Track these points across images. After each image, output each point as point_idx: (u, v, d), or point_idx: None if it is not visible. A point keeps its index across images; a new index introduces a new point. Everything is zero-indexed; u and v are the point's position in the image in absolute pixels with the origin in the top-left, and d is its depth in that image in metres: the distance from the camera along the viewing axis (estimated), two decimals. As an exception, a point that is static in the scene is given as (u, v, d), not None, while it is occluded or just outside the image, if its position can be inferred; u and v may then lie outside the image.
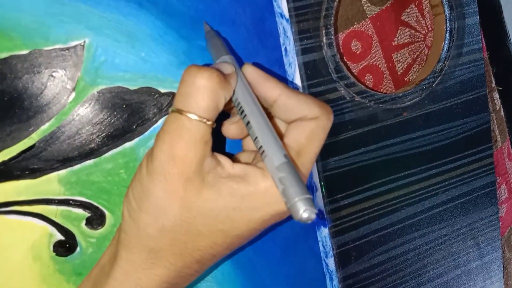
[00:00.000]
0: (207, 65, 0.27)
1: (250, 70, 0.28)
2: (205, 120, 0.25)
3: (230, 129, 0.30)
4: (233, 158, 0.30)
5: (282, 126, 0.30)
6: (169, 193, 0.25)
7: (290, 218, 0.27)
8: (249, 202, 0.26)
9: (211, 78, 0.25)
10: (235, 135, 0.30)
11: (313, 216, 0.24)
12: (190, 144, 0.25)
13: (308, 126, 0.27)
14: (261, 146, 0.26)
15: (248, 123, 0.27)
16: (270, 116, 0.29)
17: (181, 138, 0.25)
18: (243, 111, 0.27)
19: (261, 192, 0.26)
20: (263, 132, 0.26)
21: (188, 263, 0.27)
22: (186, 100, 0.25)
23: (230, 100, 0.28)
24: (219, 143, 0.33)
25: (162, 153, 0.25)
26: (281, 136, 0.28)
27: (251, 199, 0.26)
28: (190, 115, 0.25)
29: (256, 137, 0.26)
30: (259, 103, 0.28)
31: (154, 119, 0.32)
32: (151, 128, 0.32)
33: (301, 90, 0.35)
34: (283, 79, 0.35)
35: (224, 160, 0.27)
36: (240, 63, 0.31)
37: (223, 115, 0.29)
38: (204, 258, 0.27)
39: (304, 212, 0.24)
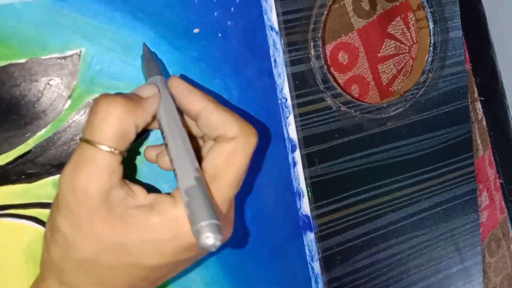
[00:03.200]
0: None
1: (174, 83, 0.27)
2: (111, 149, 0.24)
3: (151, 153, 0.29)
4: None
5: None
6: (74, 226, 0.24)
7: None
8: (158, 234, 0.24)
9: (115, 108, 0.24)
10: (167, 167, 0.28)
11: (218, 244, 0.22)
12: (93, 174, 0.23)
13: (226, 147, 0.25)
14: (174, 168, 0.25)
15: (166, 144, 0.26)
16: (193, 136, 0.28)
17: (84, 168, 0.23)
18: (163, 131, 0.26)
19: (171, 222, 0.24)
20: (178, 153, 0.25)
21: None
22: (91, 129, 0.24)
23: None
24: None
25: (64, 184, 0.24)
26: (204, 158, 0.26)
27: (160, 231, 0.24)
28: (96, 144, 0.24)
29: (171, 159, 0.25)
30: (182, 123, 0.27)
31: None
32: (144, 135, 0.33)
33: (289, 100, 0.36)
34: (272, 89, 0.36)
35: (137, 190, 0.25)
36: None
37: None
38: None
39: (208, 238, 0.22)
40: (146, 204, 0.25)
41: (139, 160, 0.33)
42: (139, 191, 0.25)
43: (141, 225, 0.24)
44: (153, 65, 0.30)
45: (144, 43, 0.32)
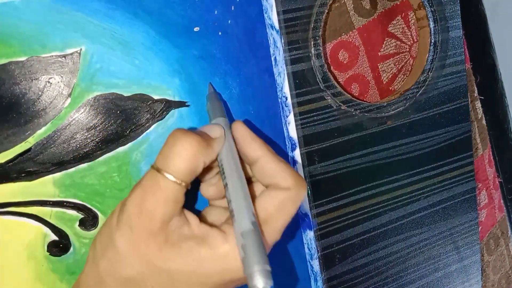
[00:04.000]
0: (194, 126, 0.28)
1: (238, 128, 0.29)
2: (179, 182, 0.26)
3: (209, 190, 0.30)
4: (201, 212, 0.31)
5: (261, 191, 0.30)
6: (131, 245, 0.25)
7: None
8: (206, 267, 0.26)
9: (191, 145, 0.26)
10: (213, 196, 0.30)
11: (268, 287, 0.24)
12: (161, 202, 0.25)
13: (278, 196, 0.27)
14: (232, 210, 0.27)
15: (226, 185, 0.28)
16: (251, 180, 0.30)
17: (153, 195, 0.25)
18: (224, 172, 0.28)
19: (220, 256, 0.26)
20: (237, 196, 0.27)
21: None
22: (165, 160, 0.26)
23: (215, 161, 0.29)
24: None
25: (133, 204, 0.26)
26: (255, 200, 0.28)
27: (209, 263, 0.26)
28: (166, 175, 0.25)
29: (230, 200, 0.27)
30: (241, 167, 0.28)
31: (147, 125, 0.33)
32: (144, 134, 0.33)
33: (289, 98, 0.37)
34: (272, 87, 0.36)
35: (192, 219, 0.27)
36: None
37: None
38: None
39: (260, 283, 0.24)
40: (198, 235, 0.26)
41: (139, 158, 0.33)
42: (193, 220, 0.27)
43: (192, 255, 0.26)
44: (218, 106, 0.31)
45: (210, 83, 0.33)
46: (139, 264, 0.26)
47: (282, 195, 0.27)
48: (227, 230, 0.26)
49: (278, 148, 0.37)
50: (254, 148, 0.29)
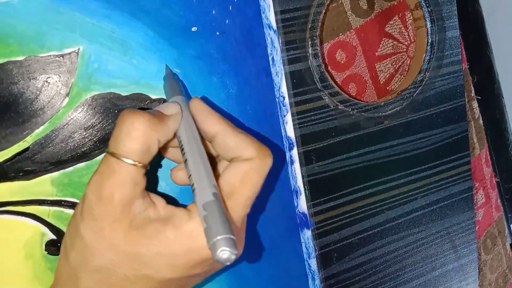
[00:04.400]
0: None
1: (195, 105, 0.28)
2: (135, 163, 0.25)
3: (178, 175, 0.30)
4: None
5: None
6: (96, 233, 0.25)
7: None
8: (172, 247, 0.25)
9: (141, 123, 0.25)
10: (182, 182, 0.30)
11: (233, 258, 0.23)
12: (118, 185, 0.25)
13: (242, 167, 0.27)
14: (193, 184, 0.26)
15: (185, 160, 0.27)
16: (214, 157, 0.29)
17: (109, 179, 0.25)
18: (183, 148, 0.27)
19: (185, 235, 0.25)
20: (197, 169, 0.26)
21: None
22: (116, 143, 0.25)
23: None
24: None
25: (91, 192, 0.25)
26: (220, 177, 0.27)
27: (175, 244, 0.25)
28: (121, 157, 0.25)
29: (190, 175, 0.26)
30: (202, 142, 0.28)
31: (144, 124, 0.33)
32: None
33: (287, 98, 0.37)
34: (270, 87, 0.36)
35: (158, 201, 0.26)
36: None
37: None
38: None
39: (223, 252, 0.23)
40: (164, 216, 0.26)
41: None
42: (159, 203, 0.26)
43: (157, 237, 0.25)
44: (175, 85, 0.31)
45: (166, 65, 0.33)
46: (107, 252, 0.25)
47: (246, 166, 0.26)
48: (192, 209, 0.26)
49: (276, 147, 0.37)
50: (212, 122, 0.28)
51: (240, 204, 0.27)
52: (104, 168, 0.25)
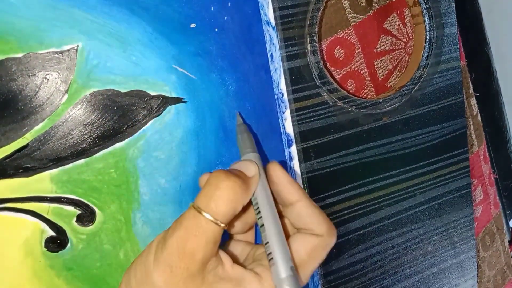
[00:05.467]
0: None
1: (275, 170, 0.30)
2: (220, 223, 0.26)
3: (234, 225, 0.31)
4: (229, 243, 0.31)
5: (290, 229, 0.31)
6: (169, 284, 0.26)
7: None
8: None
9: (234, 189, 0.26)
10: (236, 231, 0.31)
11: None
12: (202, 243, 0.26)
13: (312, 242, 0.28)
14: (270, 253, 0.27)
15: (262, 225, 0.28)
16: (280, 215, 0.30)
17: (195, 236, 0.26)
18: (259, 212, 0.29)
19: None
20: (276, 241, 0.28)
21: None
22: (207, 202, 0.26)
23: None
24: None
25: (175, 245, 0.26)
26: (287, 237, 0.29)
27: None
28: (207, 216, 0.26)
29: (267, 242, 0.28)
30: (275, 205, 0.29)
31: (143, 121, 0.33)
32: (141, 130, 0.33)
33: (285, 95, 0.37)
34: (268, 84, 0.36)
35: (225, 259, 0.28)
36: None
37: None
38: None
39: None
40: (233, 277, 0.27)
41: (135, 154, 0.33)
42: (227, 261, 0.28)
43: None
44: (249, 140, 0.32)
45: (238, 112, 0.34)
46: None
47: (315, 241, 0.28)
48: (261, 274, 0.27)
49: (275, 144, 0.37)
50: (292, 191, 0.29)
51: (305, 275, 0.28)
52: (191, 224, 0.26)
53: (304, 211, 0.29)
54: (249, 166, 0.29)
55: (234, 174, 0.27)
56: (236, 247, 0.32)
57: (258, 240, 0.34)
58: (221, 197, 0.26)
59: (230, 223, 0.30)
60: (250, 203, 0.30)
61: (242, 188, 0.27)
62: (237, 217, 0.30)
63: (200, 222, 0.26)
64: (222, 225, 0.26)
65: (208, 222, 0.26)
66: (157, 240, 0.27)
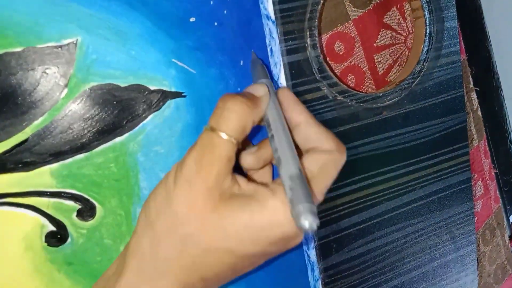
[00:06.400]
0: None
1: (284, 93, 0.31)
2: (232, 139, 0.27)
3: (247, 159, 0.31)
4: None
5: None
6: (189, 201, 0.27)
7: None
8: (257, 220, 0.27)
9: (240, 104, 0.27)
10: (251, 165, 0.31)
11: (314, 227, 0.24)
12: (217, 159, 0.27)
13: (321, 158, 0.29)
14: (279, 157, 0.28)
15: (271, 136, 0.29)
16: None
17: (210, 152, 0.27)
18: (269, 125, 0.29)
19: (269, 211, 0.27)
20: (284, 145, 0.28)
21: (192, 279, 0.28)
22: (218, 120, 0.27)
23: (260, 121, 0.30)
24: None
25: (192, 161, 0.27)
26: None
27: (259, 217, 0.27)
28: (220, 133, 0.27)
29: (276, 149, 0.28)
30: (286, 123, 0.30)
31: (143, 115, 0.33)
32: (141, 124, 0.33)
33: (285, 89, 0.37)
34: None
35: (240, 179, 0.28)
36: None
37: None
38: (209, 277, 0.28)
39: (306, 220, 0.24)
40: (248, 192, 0.28)
41: (135, 148, 0.33)
42: (242, 180, 0.28)
43: (243, 211, 0.27)
44: (262, 69, 0.33)
45: (252, 51, 0.35)
46: (196, 221, 0.27)
47: (325, 157, 0.29)
48: (274, 188, 0.27)
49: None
50: (298, 111, 0.30)
51: (317, 191, 0.28)
52: (206, 142, 0.27)
53: (311, 129, 0.30)
54: (258, 87, 0.30)
55: (240, 94, 0.28)
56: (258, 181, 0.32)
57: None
58: (229, 115, 0.27)
59: (244, 157, 0.31)
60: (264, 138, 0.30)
61: (249, 105, 0.28)
62: (250, 151, 0.31)
63: (213, 138, 0.27)
64: (235, 141, 0.27)
65: (220, 139, 0.27)
66: (176, 165, 0.28)
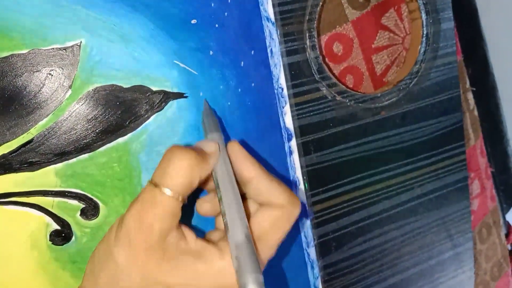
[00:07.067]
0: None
1: (233, 148, 0.30)
2: (177, 196, 0.26)
3: (203, 206, 0.31)
4: (205, 235, 0.31)
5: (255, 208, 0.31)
6: (130, 259, 0.26)
7: None
8: (202, 280, 0.26)
9: (188, 159, 0.27)
10: (207, 213, 0.31)
11: None
12: (159, 216, 0.26)
13: (273, 213, 0.28)
14: (226, 222, 0.28)
15: (220, 198, 0.28)
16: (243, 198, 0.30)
17: (152, 209, 0.26)
18: (218, 186, 0.29)
19: (215, 272, 0.26)
20: (231, 209, 0.28)
21: None
22: (162, 175, 0.27)
23: (210, 176, 0.30)
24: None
25: (131, 219, 0.26)
26: (250, 217, 0.29)
27: (205, 278, 0.26)
28: (164, 189, 0.26)
29: (224, 212, 0.28)
30: (236, 182, 0.29)
31: (146, 116, 0.33)
32: (143, 124, 0.33)
33: (285, 89, 0.37)
34: (268, 79, 0.37)
35: (188, 234, 0.28)
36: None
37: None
38: None
39: None
40: (195, 250, 0.27)
41: (138, 148, 0.33)
42: (190, 235, 0.28)
43: (189, 270, 0.26)
44: (213, 122, 0.32)
45: (205, 100, 0.34)
46: (138, 277, 0.26)
47: (276, 212, 0.28)
48: (223, 248, 0.27)
49: (275, 138, 0.38)
50: (248, 167, 0.29)
51: (268, 247, 0.28)
52: (147, 198, 0.26)
53: (262, 185, 0.29)
54: (209, 143, 0.29)
55: (187, 148, 0.27)
56: (212, 233, 0.31)
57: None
58: (174, 169, 0.26)
59: (200, 205, 0.31)
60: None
61: (196, 160, 0.27)
62: (206, 199, 0.31)
63: (155, 195, 0.26)
64: (180, 198, 0.26)
65: (163, 195, 0.26)
66: (117, 220, 0.28)
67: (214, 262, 0.27)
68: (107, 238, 0.28)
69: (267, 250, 0.28)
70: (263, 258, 0.28)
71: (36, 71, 0.30)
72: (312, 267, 0.40)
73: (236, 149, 0.30)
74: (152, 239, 0.26)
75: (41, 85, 0.31)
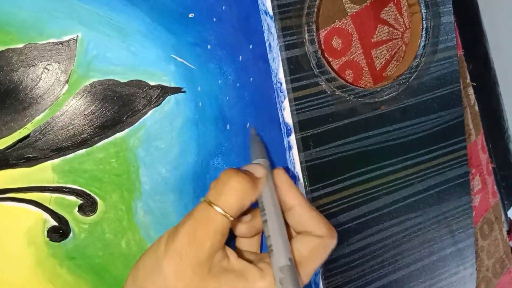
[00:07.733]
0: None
1: (279, 175, 0.32)
2: (228, 216, 0.28)
3: (240, 228, 0.32)
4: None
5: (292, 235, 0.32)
6: (179, 272, 0.27)
7: None
8: None
9: (242, 183, 0.28)
10: (244, 234, 0.32)
11: None
12: (211, 233, 0.28)
13: (312, 241, 0.30)
14: (271, 245, 0.29)
15: (265, 221, 0.30)
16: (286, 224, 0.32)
17: (204, 226, 0.28)
18: (264, 209, 0.30)
19: None
20: (276, 233, 0.29)
21: None
22: (218, 196, 0.28)
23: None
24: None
25: (185, 234, 0.28)
26: (289, 238, 0.30)
27: None
28: (218, 208, 0.28)
29: (269, 235, 0.29)
30: (280, 207, 0.31)
31: (143, 111, 0.33)
32: (141, 119, 0.33)
33: (284, 84, 0.37)
34: (267, 73, 0.37)
35: (231, 253, 0.29)
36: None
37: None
38: None
39: None
40: (237, 269, 0.29)
41: (136, 144, 0.33)
42: (232, 255, 0.29)
43: (230, 287, 0.28)
44: (260, 147, 0.34)
45: (253, 127, 0.36)
46: None
47: (316, 241, 0.30)
48: (264, 268, 0.29)
49: (274, 133, 0.38)
50: (292, 195, 0.31)
51: (305, 273, 0.30)
52: (201, 215, 0.28)
53: (304, 214, 0.31)
54: (258, 168, 0.31)
55: (243, 172, 0.29)
56: (246, 254, 0.33)
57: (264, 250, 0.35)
58: (230, 191, 0.28)
59: (238, 226, 0.32)
60: (257, 206, 0.31)
61: (250, 185, 0.29)
62: (244, 220, 0.32)
63: (210, 213, 0.28)
64: (231, 218, 0.28)
65: (217, 214, 0.28)
66: (168, 232, 0.29)
67: (256, 282, 0.28)
68: (155, 249, 0.29)
69: (304, 277, 0.30)
70: (300, 283, 0.29)
71: (32, 66, 0.30)
72: (312, 263, 0.40)
73: (282, 177, 0.32)
74: (202, 255, 0.27)
75: (38, 79, 0.30)
